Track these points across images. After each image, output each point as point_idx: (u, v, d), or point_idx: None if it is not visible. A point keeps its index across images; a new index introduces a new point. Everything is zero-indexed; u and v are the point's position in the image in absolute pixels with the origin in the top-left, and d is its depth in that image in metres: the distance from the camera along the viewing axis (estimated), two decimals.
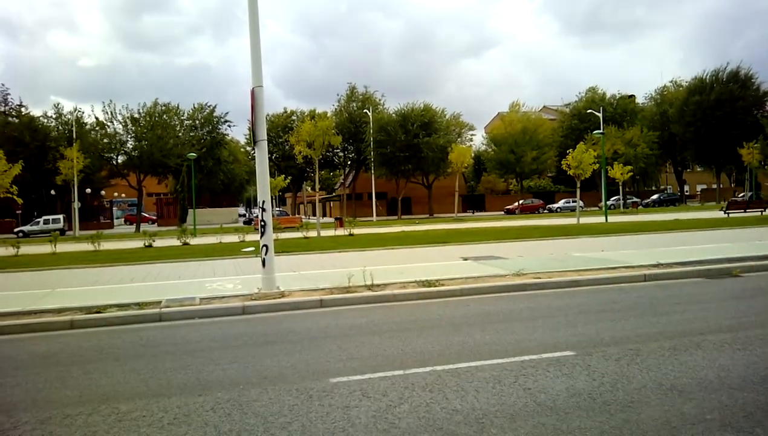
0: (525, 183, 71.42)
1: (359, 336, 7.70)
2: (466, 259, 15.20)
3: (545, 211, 63.53)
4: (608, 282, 11.20)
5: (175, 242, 27.23)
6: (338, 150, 66.48)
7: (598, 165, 35.79)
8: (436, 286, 10.87)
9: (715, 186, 74.83)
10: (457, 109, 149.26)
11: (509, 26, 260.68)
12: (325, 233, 31.08)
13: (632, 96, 77.57)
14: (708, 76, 66.57)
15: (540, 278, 11.44)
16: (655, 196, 71.43)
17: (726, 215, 35.07)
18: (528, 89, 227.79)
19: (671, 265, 12.53)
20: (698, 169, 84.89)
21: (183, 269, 15.86)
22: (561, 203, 64.53)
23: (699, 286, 10.68)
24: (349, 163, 72.65)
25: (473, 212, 69.06)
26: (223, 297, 10.53)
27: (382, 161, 59.21)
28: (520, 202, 64.00)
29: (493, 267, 13.17)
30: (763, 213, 34.09)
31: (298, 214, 78.83)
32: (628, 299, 9.50)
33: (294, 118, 71.10)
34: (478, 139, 78.20)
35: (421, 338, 7.37)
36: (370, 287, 10.85)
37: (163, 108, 55.10)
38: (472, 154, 68.90)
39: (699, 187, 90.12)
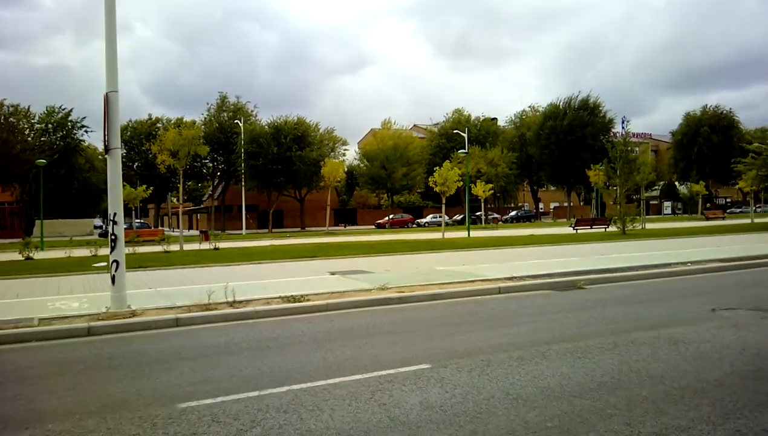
0: (396, 198, 73.29)
1: (215, 356, 7.37)
2: (333, 273, 15.18)
3: (414, 225, 65.45)
4: (467, 295, 11.66)
5: (16, 256, 24.74)
6: (206, 160, 64.25)
7: (462, 182, 37.44)
8: (301, 301, 10.70)
9: (566, 204, 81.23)
10: (334, 124, 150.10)
11: (385, 46, 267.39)
12: (189, 246, 29.77)
13: (495, 119, 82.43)
14: (561, 103, 72.48)
15: (403, 291, 11.65)
16: (513, 213, 76.18)
17: (575, 231, 38.05)
18: (401, 108, 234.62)
19: (524, 278, 13.31)
20: (552, 189, 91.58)
21: (22, 286, 14.40)
22: (429, 218, 66.81)
23: (548, 298, 11.41)
24: (218, 174, 70.46)
25: (345, 226, 69.59)
26: (66, 317, 9.66)
27: (254, 173, 58.00)
28: (391, 216, 65.40)
29: (360, 281, 13.25)
30: (606, 229, 37.36)
31: (162, 226, 75.01)
32: (484, 311, 9.93)
33: (159, 125, 67.77)
34: (351, 155, 79.06)
35: (281, 356, 7.19)
36: (231, 304, 10.47)
37: (11, 109, 50.22)
38: (345, 169, 69.54)
39: (552, 205, 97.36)
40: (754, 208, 60.07)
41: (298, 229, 63.29)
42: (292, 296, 10.98)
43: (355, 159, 75.48)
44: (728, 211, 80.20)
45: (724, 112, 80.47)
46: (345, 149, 65.60)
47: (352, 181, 78.37)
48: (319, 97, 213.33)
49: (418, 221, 67.73)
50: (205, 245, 28.73)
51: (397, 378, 6.07)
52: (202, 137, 55.95)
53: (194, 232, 61.52)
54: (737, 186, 47.65)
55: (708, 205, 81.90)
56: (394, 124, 69.36)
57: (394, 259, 20.05)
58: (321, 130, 62.70)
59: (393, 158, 62.82)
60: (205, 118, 64.68)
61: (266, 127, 60.43)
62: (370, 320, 9.45)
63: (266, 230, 60.10)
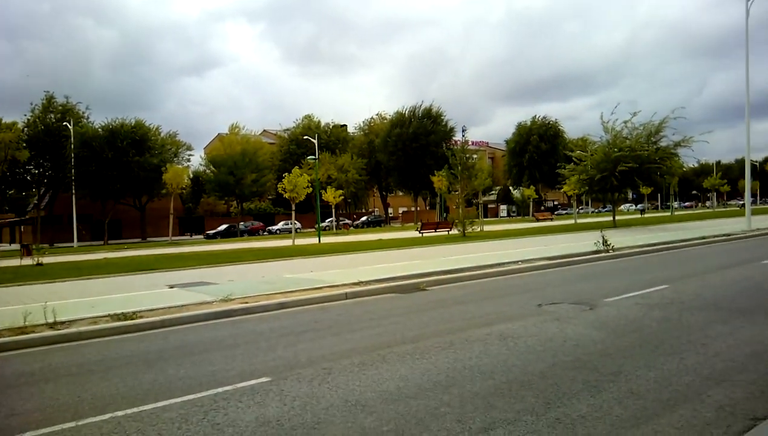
0: (245, 205, 71.46)
1: (28, 386, 6.57)
2: (172, 287, 14.34)
3: (265, 233, 64.28)
4: (313, 302, 11.55)
5: None
6: (30, 166, 58.16)
7: (312, 189, 37.39)
8: (133, 318, 9.94)
9: (414, 209, 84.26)
10: (178, 127, 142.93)
11: (233, 48, 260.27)
12: (7, 263, 26.70)
13: (345, 125, 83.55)
14: (407, 112, 75.13)
15: (248, 302, 11.27)
16: (364, 218, 77.69)
17: (420, 235, 39.55)
18: (250, 112, 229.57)
19: (370, 282, 13.49)
20: (400, 194, 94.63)
21: None
22: (280, 225, 66.04)
23: (392, 301, 11.64)
24: (45, 181, 64.11)
25: (191, 236, 66.54)
26: None
27: (86, 180, 53.49)
28: (241, 224, 63.66)
29: (201, 294, 12.63)
30: (449, 232, 39.25)
31: None
32: (329, 318, 9.88)
33: None
34: (196, 160, 75.92)
35: (105, 381, 6.58)
36: (52, 326, 9.45)
37: None
38: (190, 175, 66.62)
39: (401, 210, 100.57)
40: (577, 209, 66.47)
41: (139, 239, 59.45)
42: (123, 313, 10.15)
43: (201, 165, 72.62)
44: (556, 212, 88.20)
45: (551, 122, 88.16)
46: (189, 154, 63.00)
47: (198, 188, 75.20)
48: (163, 99, 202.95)
49: (270, 228, 66.65)
50: (27, 261, 25.88)
51: (234, 395, 5.79)
52: (23, 141, 50.74)
53: (16, 246, 55.38)
54: (563, 190, 52.35)
55: (542, 207, 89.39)
56: (243, 128, 67.79)
57: (240, 268, 19.44)
58: (162, 134, 59.50)
59: (241, 164, 61.18)
60: (28, 119, 58.46)
61: (100, 130, 56.06)
62: (210, 335, 9.00)
63: (101, 242, 55.71)
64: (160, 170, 52.82)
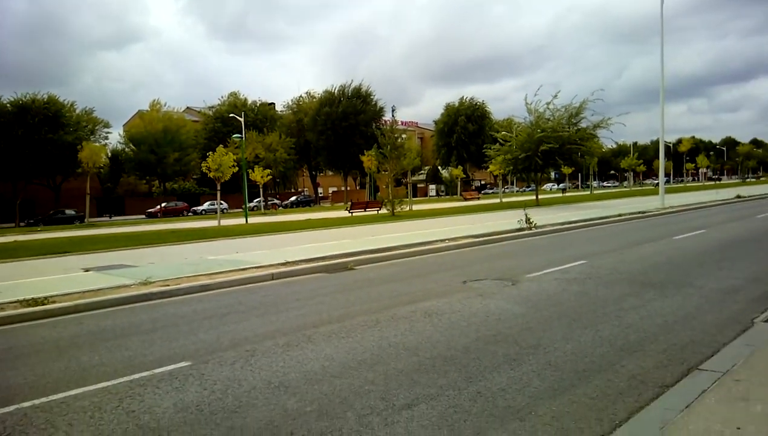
0: (168, 185, 69.15)
1: None
2: (88, 270, 13.67)
3: (190, 213, 62.48)
4: (238, 284, 11.30)
5: None
6: None
7: (238, 168, 36.53)
8: (44, 304, 9.40)
9: (344, 188, 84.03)
10: (97, 104, 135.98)
11: (154, 22, 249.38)
12: None
13: (272, 104, 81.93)
14: (336, 91, 74.47)
15: (169, 285, 10.89)
16: (293, 198, 76.86)
17: (350, 214, 39.49)
18: (173, 89, 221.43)
19: (298, 262, 13.33)
20: (330, 174, 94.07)
21: None
22: (206, 205, 64.32)
23: (320, 281, 11.55)
24: None
25: (111, 217, 63.81)
26: None
27: None
28: (163, 204, 61.58)
29: (119, 277, 12.10)
30: (379, 212, 39.39)
31: None
32: (254, 300, 9.68)
33: None
34: (115, 138, 72.55)
35: (12, 370, 6.19)
36: None
37: None
38: (108, 154, 63.74)
39: (331, 190, 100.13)
40: (502, 189, 68.13)
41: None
42: (33, 299, 9.59)
43: (120, 143, 69.47)
44: (483, 192, 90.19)
45: (478, 103, 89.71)
46: (107, 132, 59.94)
47: (117, 167, 72.03)
48: (79, 74, 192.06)
49: (195, 208, 64.79)
50: None
51: (151, 381, 5.57)
52: None
53: None
54: (489, 170, 53.47)
55: (477, 187, 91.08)
56: (165, 105, 65.24)
57: (162, 250, 18.79)
58: (78, 111, 56.40)
59: (163, 142, 58.96)
60: None
61: (9, 106, 52.57)
62: (128, 319, 8.63)
63: (12, 224, 52.56)
64: (76, 148, 50.16)
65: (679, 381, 4.91)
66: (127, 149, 66.19)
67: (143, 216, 60.93)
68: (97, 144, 54.40)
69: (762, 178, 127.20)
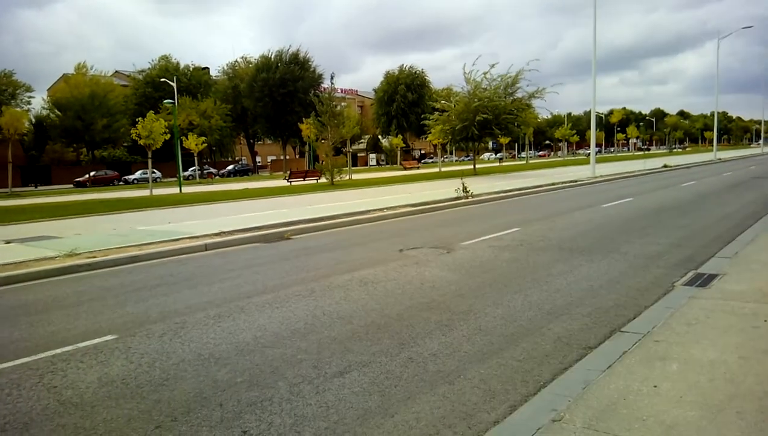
0: (98, 153, 66.30)
1: None
2: (9, 242, 12.99)
3: (121, 182, 60.22)
4: (170, 255, 10.99)
5: None
6: None
7: (170, 135, 35.33)
8: None
9: (282, 157, 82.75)
10: (16, 67, 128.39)
11: None
12: None
13: (206, 68, 79.25)
14: (273, 56, 72.59)
15: (96, 256, 10.48)
16: (230, 167, 75.06)
17: (289, 184, 38.99)
18: (101, 51, 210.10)
19: (233, 232, 13.07)
20: (268, 142, 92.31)
21: None
22: (138, 174, 62.05)
23: (256, 251, 11.38)
24: None
25: (36, 186, 60.72)
26: None
27: None
28: (92, 173, 59.01)
29: (43, 249, 11.55)
30: (318, 181, 39.06)
31: None
32: (186, 271, 9.45)
33: None
34: (38, 103, 68.62)
35: None
36: None
37: None
38: (32, 120, 60.39)
39: (269, 158, 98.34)
40: (442, 158, 68.77)
41: None
42: None
43: (44, 108, 65.81)
44: (423, 161, 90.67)
45: (418, 72, 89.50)
46: (30, 96, 56.63)
47: (42, 134, 68.34)
48: None
49: (126, 177, 62.41)
50: None
51: (74, 355, 5.37)
52: None
53: None
54: (428, 139, 53.74)
55: (417, 156, 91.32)
56: (91, 69, 61.98)
57: (90, 220, 18.04)
58: None
59: (90, 108, 56.20)
60: None
61: None
62: (51, 293, 8.27)
63: None
64: None
65: (602, 343, 5.11)
66: (52, 115, 62.80)
67: (71, 185, 58.23)
68: (18, 109, 51.33)
69: (688, 149, 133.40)
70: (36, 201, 31.75)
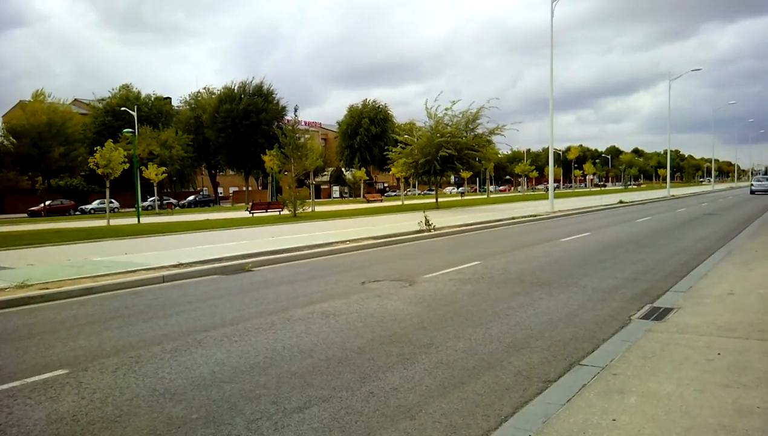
0: (53, 182, 64.57)
1: None
2: None
3: (77, 212, 58.72)
4: (126, 287, 10.70)
5: None
6: None
7: (129, 164, 34.76)
8: None
9: (245, 188, 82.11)
10: None
11: (40, 6, 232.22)
12: None
13: (168, 98, 78.57)
14: (237, 88, 72.62)
15: (48, 288, 10.14)
16: (191, 198, 74.20)
17: (251, 215, 38.64)
18: (61, 79, 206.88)
19: (192, 264, 12.84)
20: (231, 173, 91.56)
21: None
22: (95, 204, 60.64)
23: (215, 283, 11.18)
24: None
25: None
26: None
27: None
28: (48, 202, 57.40)
29: None
30: (281, 213, 38.82)
31: None
32: (142, 303, 9.21)
33: None
34: None
35: None
36: None
37: None
38: None
39: (231, 190, 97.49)
40: (404, 192, 69.28)
41: None
42: None
43: None
44: (385, 194, 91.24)
45: (381, 106, 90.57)
46: None
47: None
48: None
49: (83, 207, 60.90)
50: None
51: (22, 391, 5.15)
52: None
53: None
54: (392, 172, 54.15)
55: (380, 189, 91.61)
56: (50, 96, 60.75)
57: (44, 251, 17.49)
58: None
59: (47, 136, 54.85)
60: None
61: None
62: (1, 325, 7.94)
63: None
64: None
65: (561, 376, 5.15)
66: (6, 142, 61.10)
67: (25, 215, 56.50)
68: None
69: (642, 186, 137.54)
70: None
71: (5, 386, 5.28)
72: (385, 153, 52.27)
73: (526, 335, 6.55)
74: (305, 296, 9.31)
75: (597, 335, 6.50)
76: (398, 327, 7.00)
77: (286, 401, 4.70)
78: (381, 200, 68.82)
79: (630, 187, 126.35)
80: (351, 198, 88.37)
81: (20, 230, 29.42)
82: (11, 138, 58.25)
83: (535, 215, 27.98)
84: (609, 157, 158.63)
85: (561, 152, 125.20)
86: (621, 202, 40.45)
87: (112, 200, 47.85)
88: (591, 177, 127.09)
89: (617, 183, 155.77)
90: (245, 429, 4.20)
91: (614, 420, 4.04)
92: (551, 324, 7.02)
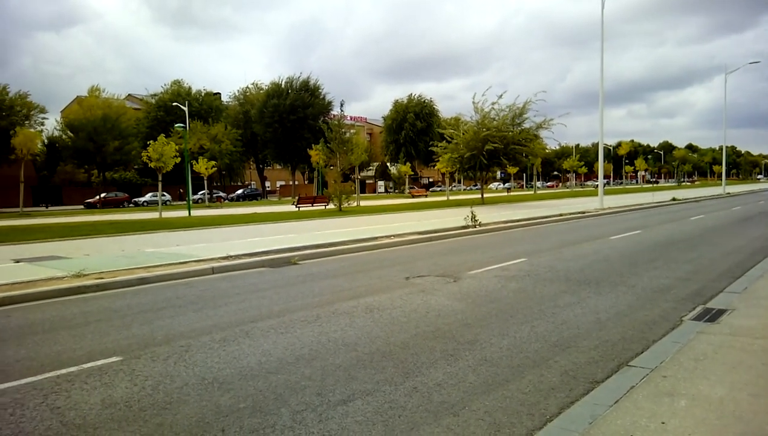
0: (108, 175, 66.87)
1: None
2: (18, 261, 13.07)
3: (131, 205, 60.64)
4: (177, 277, 11.01)
5: None
6: None
7: (180, 158, 35.63)
8: None
9: (291, 183, 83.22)
10: (34, 88, 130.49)
11: (96, 4, 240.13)
12: None
13: (218, 94, 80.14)
14: (284, 83, 73.51)
15: (104, 277, 10.52)
16: (239, 191, 75.51)
17: (297, 209, 39.14)
18: (115, 75, 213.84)
19: (240, 256, 13.10)
20: (278, 167, 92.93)
21: None
22: (148, 197, 62.50)
23: (262, 275, 11.38)
24: None
25: (47, 206, 61.22)
26: None
27: None
28: (103, 195, 59.47)
29: (51, 269, 11.61)
30: (326, 207, 39.18)
31: None
32: (192, 294, 9.46)
33: None
34: (51, 124, 69.49)
35: None
36: None
37: None
38: (44, 140, 61.14)
39: (278, 184, 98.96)
40: (449, 187, 68.90)
41: None
42: None
43: (57, 129, 66.61)
44: (431, 189, 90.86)
45: (426, 101, 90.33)
46: (43, 118, 57.22)
47: (54, 155, 69.04)
48: (15, 56, 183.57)
49: (136, 199, 62.87)
50: None
51: (79, 376, 5.36)
52: None
53: None
54: (437, 167, 53.93)
55: (425, 184, 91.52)
56: (104, 92, 62.78)
57: (99, 242, 18.14)
58: (11, 95, 53.72)
59: (102, 130, 56.78)
60: None
61: None
62: (59, 313, 8.29)
63: None
64: (9, 134, 47.81)
65: (609, 377, 5.05)
66: (64, 136, 63.52)
67: (81, 206, 58.72)
68: (32, 130, 51.93)
69: (696, 183, 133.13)
70: (46, 221, 31.98)
71: (64, 371, 5.51)
72: (430, 148, 52.06)
73: (572, 334, 6.44)
74: (350, 289, 9.38)
75: (647, 335, 6.34)
76: (442, 323, 6.99)
77: (331, 394, 4.76)
78: (426, 195, 68.63)
79: (683, 184, 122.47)
80: (396, 193, 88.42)
81: (77, 221, 30.59)
82: (69, 132, 60.48)
83: (584, 212, 27.43)
84: (661, 152, 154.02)
85: (611, 148, 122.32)
86: (674, 199, 39.26)
87: (164, 193, 49.24)
88: (642, 173, 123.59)
89: (670, 180, 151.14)
90: (290, 420, 4.27)
91: (663, 423, 3.94)
92: (599, 324, 6.88)
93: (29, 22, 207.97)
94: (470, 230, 19.15)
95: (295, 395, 4.74)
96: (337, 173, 36.90)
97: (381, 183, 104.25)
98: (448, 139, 41.82)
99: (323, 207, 39.59)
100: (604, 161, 35.20)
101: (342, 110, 41.55)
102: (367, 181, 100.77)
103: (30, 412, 4.55)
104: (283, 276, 11.17)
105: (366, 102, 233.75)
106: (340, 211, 33.28)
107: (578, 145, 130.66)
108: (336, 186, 35.86)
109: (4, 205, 56.87)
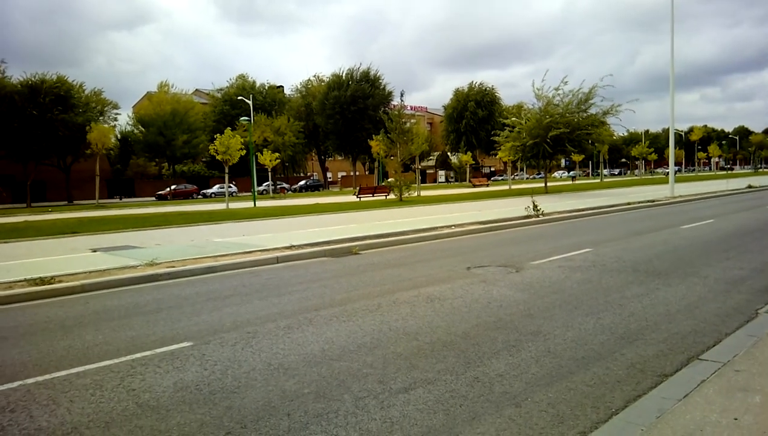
0: (178, 167, 69.35)
1: None
2: (95, 250, 13.77)
3: (199, 196, 62.72)
4: (243, 266, 11.35)
5: None
6: None
7: (246, 151, 36.54)
8: (51, 283, 9.49)
9: (352, 173, 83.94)
10: (107, 85, 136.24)
11: (165, 3, 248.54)
12: None
13: (281, 87, 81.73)
14: (344, 74, 74.07)
15: (174, 266, 10.96)
16: (302, 182, 76.87)
17: (358, 199, 39.48)
18: (183, 71, 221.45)
19: (303, 246, 13.35)
20: (339, 158, 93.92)
21: None
22: (215, 188, 64.48)
23: (323, 265, 11.57)
24: None
25: (120, 198, 64.19)
26: None
27: (5, 139, 50.36)
28: (173, 187, 61.81)
29: (125, 258, 12.19)
30: (387, 197, 39.36)
31: None
32: (258, 282, 9.73)
33: None
34: (124, 119, 72.63)
35: (16, 348, 6.26)
36: None
37: None
38: (117, 135, 63.92)
39: (340, 174, 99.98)
40: (511, 176, 67.87)
41: (65, 202, 56.85)
42: (40, 278, 9.68)
43: (129, 124, 69.55)
44: (492, 178, 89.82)
45: (488, 89, 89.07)
46: (116, 113, 59.89)
47: (126, 149, 72.22)
48: (91, 55, 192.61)
49: (204, 191, 65.01)
50: None
51: (152, 360, 5.63)
52: None
53: None
54: (498, 156, 53.22)
55: (486, 173, 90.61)
56: (173, 87, 65.12)
57: (169, 232, 18.87)
58: (87, 92, 56.40)
59: (172, 124, 58.98)
60: None
61: (19, 85, 52.59)
62: (133, 299, 8.71)
63: (24, 205, 52.92)
64: (85, 129, 50.26)
65: (678, 371, 4.90)
66: (136, 131, 66.32)
67: (153, 198, 61.23)
68: (105, 125, 54.41)
69: None
70: (120, 212, 33.54)
71: (138, 355, 5.80)
72: (492, 137, 51.37)
73: (640, 326, 6.26)
74: (410, 279, 9.42)
75: (719, 328, 6.09)
76: (504, 313, 6.93)
77: (392, 381, 4.81)
78: (487, 185, 67.82)
79: (761, 170, 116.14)
80: (456, 183, 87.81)
81: (149, 212, 31.92)
82: (140, 127, 63.01)
83: (653, 201, 26.47)
84: (737, 138, 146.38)
85: (683, 133, 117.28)
86: (750, 186, 37.31)
87: (231, 185, 50.64)
88: (716, 160, 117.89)
89: (746, 166, 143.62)
90: (353, 406, 4.35)
91: (736, 419, 3.79)
92: (668, 316, 6.66)
93: (103, 23, 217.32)
94: (532, 219, 18.82)
95: (357, 382, 4.82)
96: (397, 163, 36.97)
97: (441, 172, 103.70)
98: (510, 127, 41.13)
99: (384, 197, 39.78)
100: (675, 148, 33.81)
101: (402, 100, 41.54)
102: (428, 171, 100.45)
103: (108, 393, 4.81)
104: (345, 266, 11.32)
105: (426, 91, 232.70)
106: (401, 202, 33.35)
107: (647, 131, 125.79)
108: (396, 176, 35.94)
109: (81, 198, 59.95)
